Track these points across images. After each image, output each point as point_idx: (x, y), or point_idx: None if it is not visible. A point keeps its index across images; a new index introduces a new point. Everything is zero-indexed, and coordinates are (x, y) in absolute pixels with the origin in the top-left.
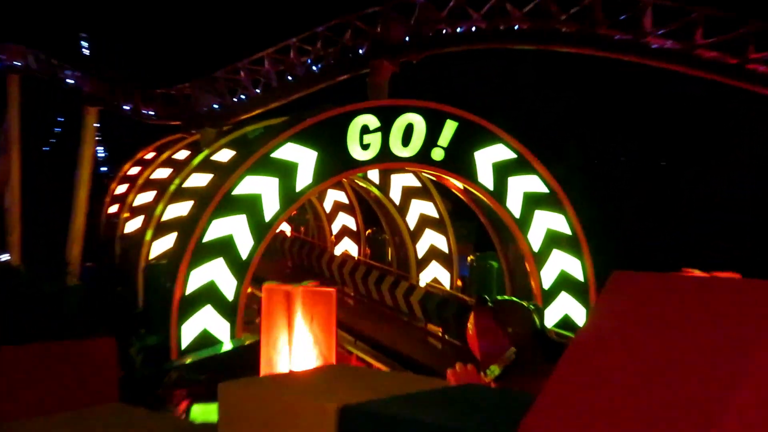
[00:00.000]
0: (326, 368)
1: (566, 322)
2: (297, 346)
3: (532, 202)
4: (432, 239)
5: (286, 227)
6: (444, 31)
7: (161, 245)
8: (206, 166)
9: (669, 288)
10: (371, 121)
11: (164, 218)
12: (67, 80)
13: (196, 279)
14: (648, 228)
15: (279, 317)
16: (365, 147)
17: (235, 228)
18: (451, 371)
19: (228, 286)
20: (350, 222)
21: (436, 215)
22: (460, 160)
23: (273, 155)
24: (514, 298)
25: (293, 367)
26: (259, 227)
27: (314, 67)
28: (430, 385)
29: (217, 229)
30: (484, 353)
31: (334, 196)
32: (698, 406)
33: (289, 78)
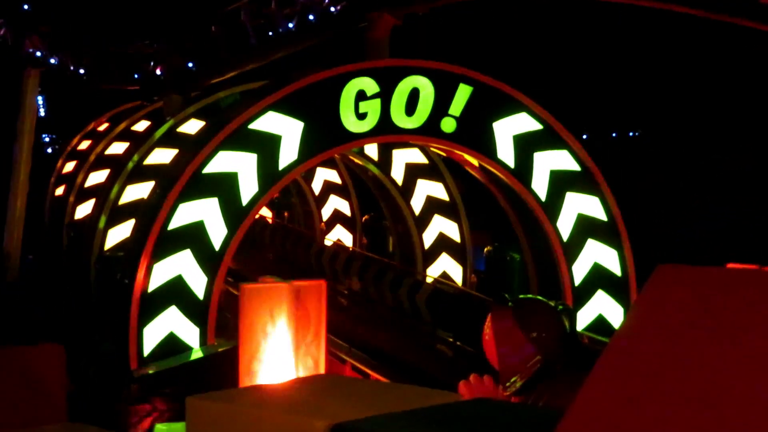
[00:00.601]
0: (315, 379)
1: (601, 325)
2: (281, 352)
3: (562, 182)
4: (441, 227)
5: (266, 212)
6: None
7: (117, 234)
8: (170, 139)
9: (722, 283)
10: (369, 85)
11: (121, 202)
12: (5, 38)
13: (160, 274)
14: (694, 215)
15: (260, 319)
16: (362, 117)
17: (205, 213)
18: (464, 383)
19: (197, 282)
20: (344, 206)
21: (446, 198)
22: (475, 132)
23: (251, 126)
24: (539, 297)
25: (276, 378)
26: (234, 213)
27: (300, 21)
28: (436, 400)
29: (185, 214)
30: (504, 362)
31: (324, 175)
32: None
33: (270, 34)
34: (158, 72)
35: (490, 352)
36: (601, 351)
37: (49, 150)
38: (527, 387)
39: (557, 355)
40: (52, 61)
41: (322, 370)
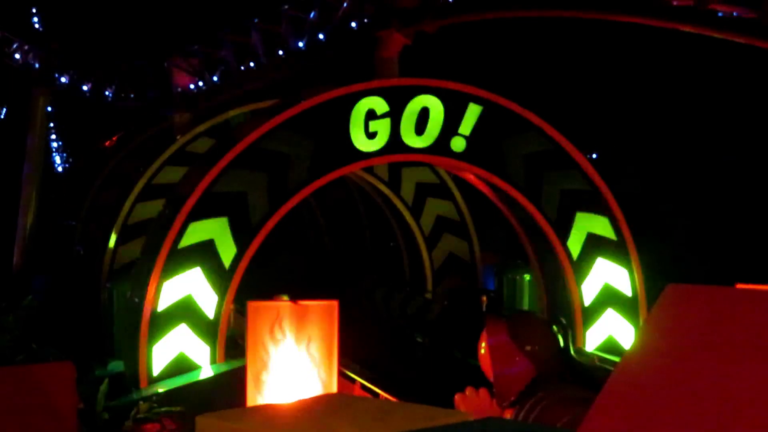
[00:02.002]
0: (324, 399)
1: (611, 344)
2: (290, 371)
3: (572, 201)
4: (451, 246)
5: None
6: None
7: (127, 252)
8: (180, 158)
9: (731, 303)
10: (379, 104)
11: (131, 220)
12: (15, 56)
13: (170, 293)
14: (706, 234)
15: (268, 338)
16: (371, 136)
17: (215, 232)
18: (459, 396)
19: (208, 301)
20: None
21: (456, 217)
22: (485, 152)
23: (261, 145)
24: (534, 311)
25: (285, 398)
26: (244, 231)
27: (309, 39)
28: (446, 419)
29: (195, 233)
30: (498, 375)
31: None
32: None
33: (280, 52)
34: (168, 90)
35: (486, 365)
36: (598, 367)
37: (59, 169)
38: (520, 399)
39: (551, 368)
40: (62, 79)
41: (333, 389)
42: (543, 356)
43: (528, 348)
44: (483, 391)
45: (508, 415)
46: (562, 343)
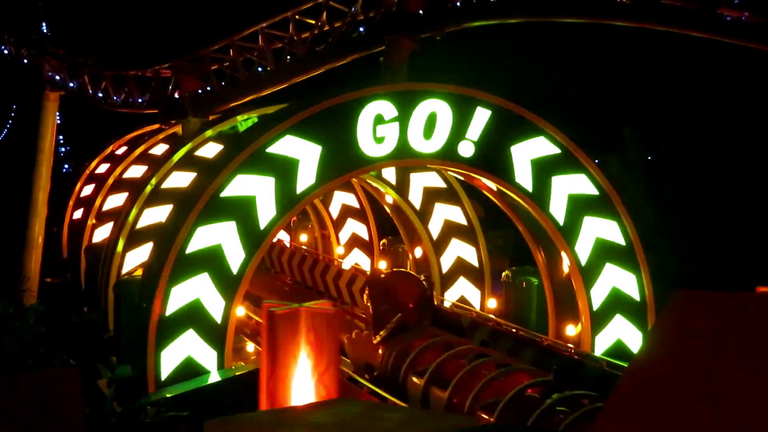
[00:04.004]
0: (333, 403)
1: (619, 349)
2: (301, 376)
3: (580, 206)
4: (459, 251)
5: (284, 236)
6: (474, 0)
7: (135, 257)
8: (189, 163)
9: (740, 309)
10: (387, 108)
11: (139, 225)
12: (24, 60)
13: (178, 298)
14: (716, 238)
15: (285, 344)
16: (379, 140)
17: (223, 237)
18: (347, 337)
19: (215, 306)
20: (361, 230)
21: (464, 222)
22: (493, 156)
23: (268, 150)
24: (405, 270)
25: (295, 401)
26: (251, 236)
27: (317, 45)
28: (450, 423)
29: (203, 238)
30: (375, 315)
31: (341, 199)
32: None
33: (288, 58)
34: (176, 95)
35: (368, 312)
36: (619, 376)
37: (67, 171)
38: (391, 334)
39: (417, 313)
40: (71, 84)
41: (335, 394)
42: (411, 303)
43: (399, 296)
44: (366, 333)
45: (381, 349)
46: (428, 294)
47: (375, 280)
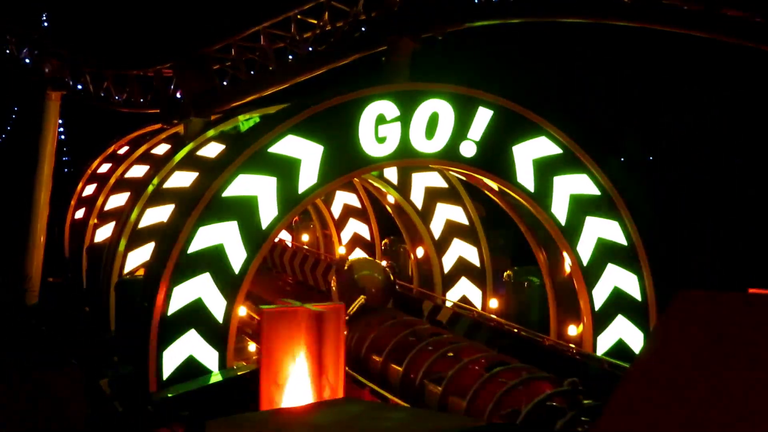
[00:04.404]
0: (334, 404)
1: (621, 349)
2: (302, 375)
3: (582, 206)
4: (461, 251)
5: (286, 236)
6: (476, 0)
7: (137, 257)
8: (190, 162)
9: (741, 309)
10: (388, 108)
11: (140, 225)
12: (26, 60)
13: (179, 297)
14: (716, 238)
15: (283, 344)
16: (381, 140)
17: (225, 237)
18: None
19: (217, 306)
20: (363, 230)
21: (465, 222)
22: (495, 156)
23: (270, 150)
24: (369, 258)
25: (296, 401)
26: (253, 236)
27: (319, 45)
28: (451, 424)
29: (204, 238)
30: (341, 300)
31: (343, 198)
32: None
33: (290, 57)
34: (178, 95)
35: (335, 297)
36: (620, 376)
37: (69, 171)
38: (354, 319)
39: (380, 296)
40: (73, 84)
41: (340, 394)
42: (374, 288)
43: (364, 284)
44: None
45: (345, 330)
46: (391, 279)
47: (341, 268)
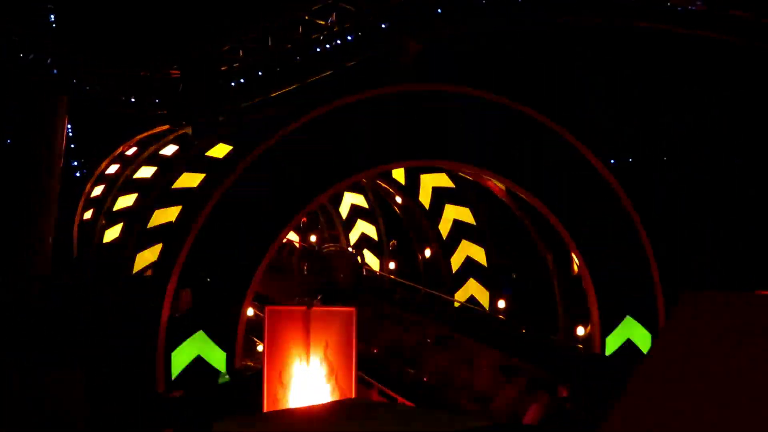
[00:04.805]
0: (341, 404)
1: (629, 350)
2: (308, 377)
3: (590, 207)
4: (469, 251)
5: (293, 237)
6: (483, 1)
7: (145, 258)
8: (198, 163)
9: (748, 309)
10: (395, 109)
11: (149, 226)
12: (32, 62)
13: (187, 298)
14: (716, 238)
15: (286, 344)
16: (388, 141)
17: (233, 237)
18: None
19: (225, 306)
20: (371, 230)
21: (473, 223)
22: (504, 157)
23: (278, 151)
24: (340, 246)
25: (302, 402)
26: (261, 236)
27: (327, 46)
28: (462, 425)
29: (212, 238)
30: (314, 288)
31: (351, 199)
32: None
33: (297, 59)
34: (186, 96)
35: (305, 281)
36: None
37: (77, 174)
38: (324, 301)
39: (349, 281)
40: (80, 85)
41: (351, 393)
42: (344, 273)
43: (334, 268)
44: (316, 302)
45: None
46: (360, 266)
47: (313, 255)
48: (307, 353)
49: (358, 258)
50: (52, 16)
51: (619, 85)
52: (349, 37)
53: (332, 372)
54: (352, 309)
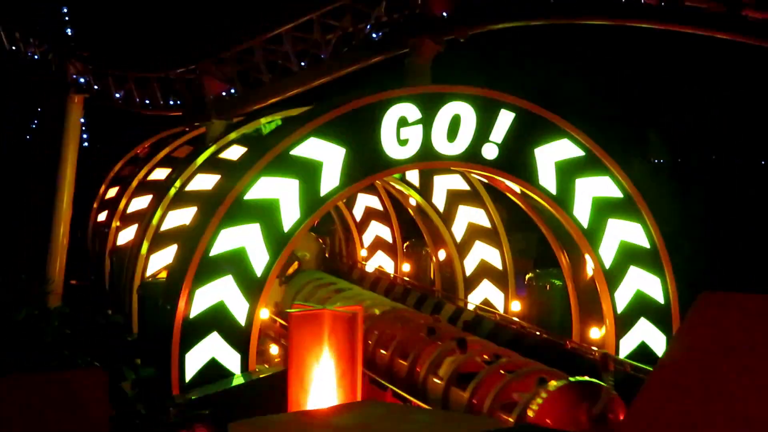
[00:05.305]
0: (357, 406)
1: (643, 352)
2: (326, 378)
3: (604, 208)
4: (483, 253)
5: None
6: (497, 2)
7: (159, 259)
8: (212, 165)
9: (763, 309)
10: (410, 111)
11: (163, 227)
12: (49, 63)
13: (202, 300)
14: (716, 238)
15: (309, 346)
16: (403, 143)
17: (247, 239)
18: None
19: (239, 308)
20: (385, 232)
21: (488, 225)
22: (517, 159)
23: (292, 153)
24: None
25: (319, 404)
26: (275, 239)
27: (342, 47)
28: (475, 425)
29: (226, 240)
30: (282, 269)
31: (365, 201)
32: None
33: (312, 60)
34: (200, 98)
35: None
36: (642, 379)
37: (92, 174)
38: (289, 279)
39: (315, 263)
40: (96, 86)
41: (358, 397)
42: (308, 255)
43: (301, 254)
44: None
45: (284, 288)
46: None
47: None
48: (328, 355)
49: (320, 242)
50: (68, 19)
51: (619, 85)
52: (363, 38)
53: (342, 373)
54: (359, 308)
